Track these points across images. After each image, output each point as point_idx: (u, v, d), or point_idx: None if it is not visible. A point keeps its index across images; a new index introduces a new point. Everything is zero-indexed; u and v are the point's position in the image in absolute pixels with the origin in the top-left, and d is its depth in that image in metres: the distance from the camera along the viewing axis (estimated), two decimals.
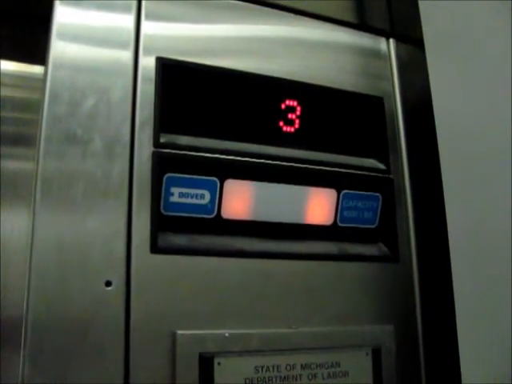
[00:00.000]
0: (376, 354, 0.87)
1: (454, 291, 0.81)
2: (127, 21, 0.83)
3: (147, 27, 0.84)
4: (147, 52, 0.82)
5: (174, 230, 0.80)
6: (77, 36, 0.78)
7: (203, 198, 0.82)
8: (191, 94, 0.85)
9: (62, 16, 0.78)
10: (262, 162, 0.86)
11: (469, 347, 0.80)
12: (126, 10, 0.83)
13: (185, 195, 0.81)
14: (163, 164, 0.79)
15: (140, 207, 0.76)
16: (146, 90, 0.81)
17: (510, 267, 0.86)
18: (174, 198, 0.80)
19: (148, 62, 0.82)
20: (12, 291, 0.93)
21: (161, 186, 0.79)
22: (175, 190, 0.80)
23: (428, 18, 0.95)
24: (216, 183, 0.83)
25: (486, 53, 0.97)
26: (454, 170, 0.87)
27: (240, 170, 0.85)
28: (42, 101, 0.75)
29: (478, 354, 0.81)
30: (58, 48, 0.77)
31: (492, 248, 0.87)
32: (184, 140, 0.82)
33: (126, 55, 0.81)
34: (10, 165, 1.04)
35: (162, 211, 0.79)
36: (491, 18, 1.00)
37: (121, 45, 0.81)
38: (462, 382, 0.78)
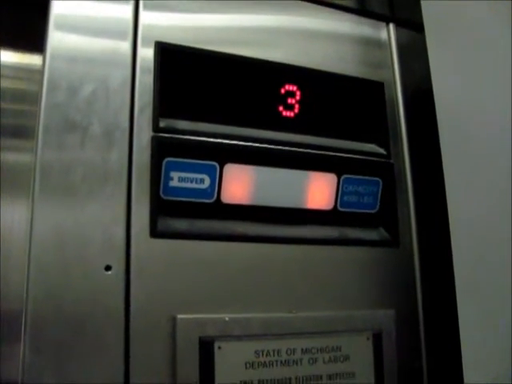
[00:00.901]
0: (377, 339, 0.87)
1: (455, 275, 0.81)
2: (125, 11, 0.82)
3: (145, 17, 0.83)
4: (146, 42, 0.82)
5: (174, 214, 0.80)
6: (75, 26, 0.78)
7: (203, 182, 0.82)
8: (190, 79, 0.84)
9: (60, 6, 0.78)
10: (262, 147, 0.86)
11: (469, 334, 0.80)
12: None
13: (184, 180, 0.80)
14: (163, 148, 0.79)
15: (139, 192, 0.76)
16: (145, 78, 0.80)
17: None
18: (174, 183, 0.80)
19: (146, 53, 0.81)
20: (13, 284, 0.93)
21: (160, 170, 0.79)
22: (175, 175, 0.80)
23: (427, 3, 0.94)
24: (216, 168, 0.82)
25: (486, 38, 0.97)
26: (455, 154, 0.87)
27: (240, 155, 0.84)
28: (40, 91, 0.75)
29: (479, 340, 0.81)
30: (56, 38, 0.76)
31: (494, 231, 0.87)
32: (183, 124, 0.82)
33: (125, 45, 0.81)
34: (10, 157, 1.04)
35: (162, 196, 0.79)
36: (492, 4, 0.99)
37: (119, 35, 0.81)
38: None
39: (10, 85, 1.08)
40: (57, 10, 0.78)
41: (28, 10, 1.07)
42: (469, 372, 0.78)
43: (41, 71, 0.76)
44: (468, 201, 0.86)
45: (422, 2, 0.94)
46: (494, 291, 0.85)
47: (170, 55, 0.82)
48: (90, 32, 0.79)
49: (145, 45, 0.82)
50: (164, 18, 0.85)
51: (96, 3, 0.80)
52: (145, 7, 0.84)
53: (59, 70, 0.75)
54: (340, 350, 0.84)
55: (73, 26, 0.78)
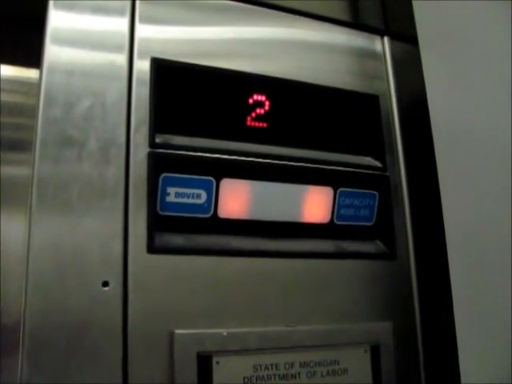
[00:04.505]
0: (375, 352, 0.86)
1: (452, 287, 0.81)
2: (121, 24, 0.83)
3: (141, 30, 0.84)
4: (142, 55, 0.82)
5: (171, 229, 0.80)
6: (71, 40, 0.78)
7: (199, 197, 0.82)
8: (186, 94, 0.85)
9: (56, 20, 0.78)
10: (258, 161, 0.86)
11: (467, 346, 0.80)
12: (120, 13, 0.83)
13: (181, 195, 0.81)
14: (159, 164, 0.79)
15: (136, 207, 0.76)
16: (141, 92, 0.81)
17: (510, 263, 0.85)
18: (171, 198, 0.80)
19: (143, 65, 0.82)
20: (11, 299, 0.93)
21: (157, 186, 0.79)
22: (171, 190, 0.80)
23: (422, 15, 0.95)
24: (212, 183, 0.83)
25: (481, 49, 0.97)
26: (450, 166, 0.87)
27: (236, 169, 0.85)
28: (37, 105, 0.75)
29: (477, 353, 0.81)
30: (53, 52, 0.77)
31: (490, 244, 0.87)
32: (180, 140, 0.82)
33: (121, 58, 0.81)
34: (7, 170, 1.04)
35: (159, 211, 0.79)
36: (488, 14, 1.00)
37: (115, 48, 0.81)
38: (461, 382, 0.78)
39: (7, 98, 1.09)
40: (53, 23, 0.78)
41: (25, 25, 1.07)
42: (467, 372, 0.78)
43: (38, 85, 0.76)
44: (464, 212, 0.86)
45: (415, 13, 0.94)
46: (492, 302, 0.84)
47: (165, 71, 0.83)
48: (87, 45, 0.79)
49: (141, 58, 0.82)
50: (160, 31, 0.86)
51: (92, 17, 0.81)
52: (141, 20, 0.84)
53: (56, 84, 0.76)
54: (338, 364, 0.84)
55: (69, 40, 0.78)
